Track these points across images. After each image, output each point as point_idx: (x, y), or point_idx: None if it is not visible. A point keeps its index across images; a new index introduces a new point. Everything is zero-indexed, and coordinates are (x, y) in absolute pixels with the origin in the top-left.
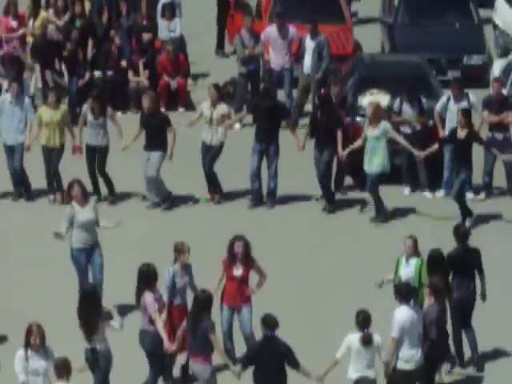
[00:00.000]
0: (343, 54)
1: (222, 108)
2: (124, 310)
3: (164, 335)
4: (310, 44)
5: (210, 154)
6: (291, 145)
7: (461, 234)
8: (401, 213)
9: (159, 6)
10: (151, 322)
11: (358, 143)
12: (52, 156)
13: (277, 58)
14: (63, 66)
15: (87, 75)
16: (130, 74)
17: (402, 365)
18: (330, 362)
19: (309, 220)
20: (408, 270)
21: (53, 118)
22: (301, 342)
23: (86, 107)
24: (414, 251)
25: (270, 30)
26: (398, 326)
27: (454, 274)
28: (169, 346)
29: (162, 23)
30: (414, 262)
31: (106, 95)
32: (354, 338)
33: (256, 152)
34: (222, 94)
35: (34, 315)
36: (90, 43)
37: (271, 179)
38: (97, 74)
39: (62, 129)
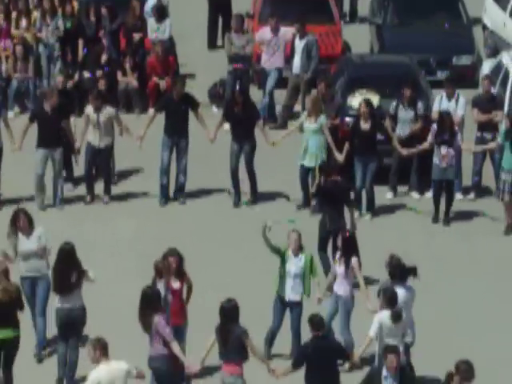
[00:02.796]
0: (332, 54)
1: (108, 111)
2: (116, 309)
3: (184, 358)
4: (298, 44)
5: (103, 157)
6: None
7: (328, 170)
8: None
9: (147, 7)
10: (165, 345)
11: (291, 129)
12: None
13: (268, 59)
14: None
15: (76, 76)
16: (119, 74)
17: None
18: (365, 342)
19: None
20: (299, 263)
21: None
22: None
23: None
24: (299, 245)
25: (264, 31)
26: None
27: (324, 205)
28: (192, 367)
29: (151, 24)
30: (303, 256)
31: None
32: (384, 315)
33: (167, 147)
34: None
35: None
36: (80, 44)
37: (181, 174)
38: (86, 74)
39: None
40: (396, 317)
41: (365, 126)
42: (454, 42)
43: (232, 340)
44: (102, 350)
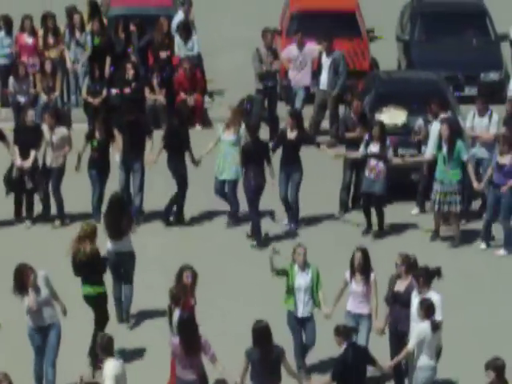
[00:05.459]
0: (360, 70)
1: (61, 131)
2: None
3: (232, 378)
4: (325, 61)
5: (53, 176)
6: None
7: (251, 128)
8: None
9: (174, 24)
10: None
11: (209, 146)
12: None
13: (296, 76)
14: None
15: (104, 92)
16: (147, 91)
17: None
18: (402, 354)
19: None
20: (307, 277)
21: None
22: None
23: None
24: (306, 259)
25: (290, 48)
26: None
27: (248, 164)
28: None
29: (179, 41)
30: (310, 270)
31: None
32: (425, 326)
33: (122, 169)
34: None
35: None
36: (108, 61)
37: (136, 196)
38: (114, 91)
39: None
40: (435, 326)
41: (291, 135)
42: (481, 58)
43: (271, 360)
44: (105, 349)
